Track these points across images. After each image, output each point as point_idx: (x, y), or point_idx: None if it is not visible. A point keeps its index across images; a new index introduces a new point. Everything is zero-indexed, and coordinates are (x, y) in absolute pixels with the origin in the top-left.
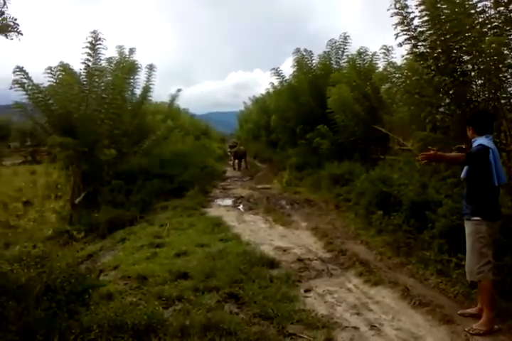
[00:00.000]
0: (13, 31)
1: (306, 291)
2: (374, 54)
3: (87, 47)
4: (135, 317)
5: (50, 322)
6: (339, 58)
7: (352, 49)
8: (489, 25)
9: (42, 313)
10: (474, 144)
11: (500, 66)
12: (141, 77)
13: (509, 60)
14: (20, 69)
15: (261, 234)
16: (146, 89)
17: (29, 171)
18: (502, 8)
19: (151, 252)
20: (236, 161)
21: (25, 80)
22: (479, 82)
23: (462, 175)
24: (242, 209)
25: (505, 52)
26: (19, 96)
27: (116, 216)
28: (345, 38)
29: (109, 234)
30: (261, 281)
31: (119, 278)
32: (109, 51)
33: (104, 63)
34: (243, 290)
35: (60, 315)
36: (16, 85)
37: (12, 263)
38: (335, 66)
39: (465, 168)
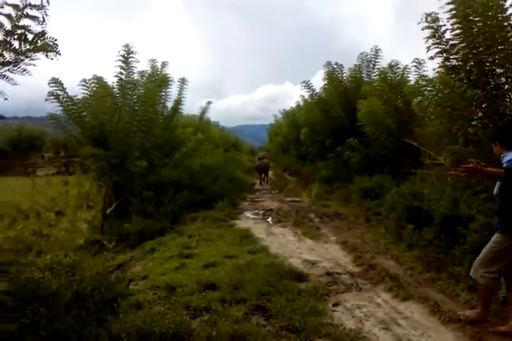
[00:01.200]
0: (53, 51)
1: (334, 305)
2: (405, 67)
3: (120, 60)
4: (163, 326)
5: (79, 329)
6: (370, 71)
7: (383, 62)
8: None
9: (72, 320)
10: (504, 160)
11: None
12: (173, 90)
13: None
14: (55, 81)
15: (289, 246)
16: (178, 102)
17: (62, 182)
18: None
19: (179, 263)
20: (263, 175)
21: (60, 92)
22: None
23: (495, 192)
24: (270, 222)
25: None
26: (54, 108)
27: (147, 226)
28: (377, 51)
29: (140, 244)
30: (289, 294)
31: (148, 287)
32: (141, 65)
33: (136, 76)
34: (271, 302)
35: (89, 323)
36: (51, 97)
37: (44, 271)
38: (366, 79)
39: (497, 184)
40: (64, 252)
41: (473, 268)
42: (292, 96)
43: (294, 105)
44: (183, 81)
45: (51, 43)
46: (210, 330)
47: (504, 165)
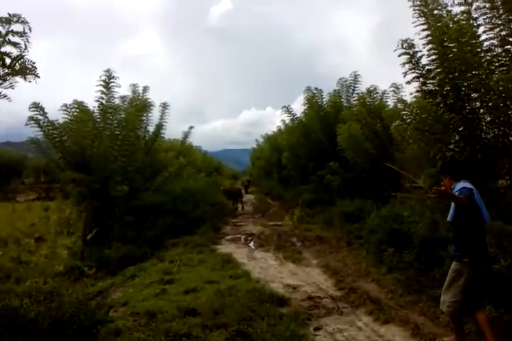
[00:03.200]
0: (31, 74)
1: (315, 329)
2: (384, 92)
3: (101, 85)
4: None
5: None
6: (349, 96)
7: (362, 87)
8: (497, 63)
9: None
10: (455, 190)
11: (508, 103)
12: (155, 115)
13: None
14: (36, 106)
15: (271, 271)
16: (159, 127)
17: (42, 207)
18: (509, 46)
19: (160, 289)
20: (236, 202)
21: (40, 117)
22: (488, 119)
23: (449, 219)
24: (252, 246)
25: None
26: (34, 132)
27: (128, 252)
28: (356, 77)
29: (120, 270)
30: (270, 319)
31: (128, 314)
32: (123, 89)
33: (117, 101)
34: (252, 327)
35: None
36: (32, 122)
37: (22, 298)
38: (345, 104)
39: (451, 211)
40: (43, 279)
41: (441, 300)
42: (274, 120)
43: (275, 129)
44: (164, 105)
45: (29, 66)
46: None
47: (456, 194)
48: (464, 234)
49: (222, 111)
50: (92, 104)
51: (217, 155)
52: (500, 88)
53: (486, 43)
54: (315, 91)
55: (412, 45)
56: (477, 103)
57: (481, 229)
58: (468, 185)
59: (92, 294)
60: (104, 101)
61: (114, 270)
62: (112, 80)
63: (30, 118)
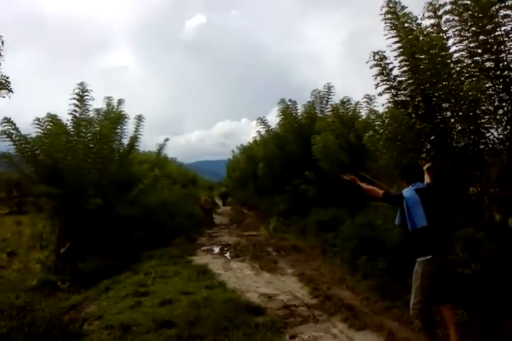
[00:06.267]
0: (5, 89)
1: (291, 338)
2: (357, 103)
3: (74, 98)
4: None
5: None
6: (323, 107)
7: (336, 98)
8: (466, 74)
9: None
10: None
11: (478, 112)
12: (129, 128)
13: (486, 106)
14: (7, 121)
15: (247, 281)
16: (134, 139)
17: (15, 222)
18: (477, 58)
19: (135, 301)
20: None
21: (12, 131)
22: (458, 128)
23: (396, 222)
24: (228, 257)
25: (483, 98)
26: (6, 146)
27: (102, 265)
28: (329, 88)
29: (94, 283)
30: (246, 329)
31: (103, 327)
32: (97, 102)
33: (92, 114)
34: (228, 337)
35: None
36: (4, 136)
37: None
38: (319, 115)
39: (398, 214)
40: (16, 294)
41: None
42: (249, 131)
43: (251, 140)
44: (139, 118)
45: (3, 81)
46: None
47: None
48: (411, 235)
49: (197, 123)
50: (65, 117)
51: (193, 166)
52: (470, 97)
53: (455, 55)
54: (289, 103)
55: (383, 57)
56: (448, 113)
57: (420, 231)
58: (407, 191)
59: (65, 308)
60: (77, 115)
61: (88, 283)
62: (85, 93)
63: (3, 132)
